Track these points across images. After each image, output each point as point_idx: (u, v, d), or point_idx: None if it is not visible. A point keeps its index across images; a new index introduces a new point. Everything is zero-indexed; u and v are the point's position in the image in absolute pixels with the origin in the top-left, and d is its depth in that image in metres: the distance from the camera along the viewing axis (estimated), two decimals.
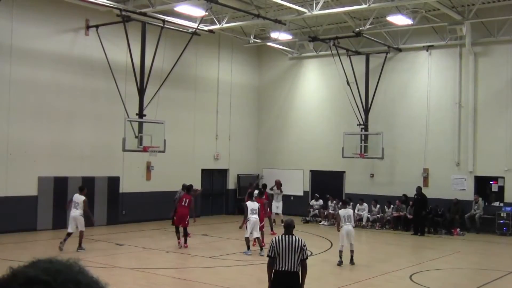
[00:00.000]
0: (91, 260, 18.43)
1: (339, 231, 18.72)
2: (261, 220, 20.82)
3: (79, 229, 20.33)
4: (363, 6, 23.70)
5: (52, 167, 25.09)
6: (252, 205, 20.59)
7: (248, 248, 20.42)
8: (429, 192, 27.81)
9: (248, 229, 20.21)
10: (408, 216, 27.74)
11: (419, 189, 27.48)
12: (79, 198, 20.76)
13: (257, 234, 20.23)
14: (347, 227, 18.53)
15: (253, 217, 20.19)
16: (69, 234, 20.25)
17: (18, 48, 24.01)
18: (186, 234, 21.38)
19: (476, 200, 27.33)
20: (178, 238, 21.50)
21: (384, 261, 20.12)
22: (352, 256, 18.44)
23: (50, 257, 1.48)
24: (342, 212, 19.06)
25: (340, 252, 18.49)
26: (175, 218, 21.99)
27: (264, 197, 23.93)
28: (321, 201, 30.80)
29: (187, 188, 22.45)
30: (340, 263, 18.33)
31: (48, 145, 24.94)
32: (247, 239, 20.40)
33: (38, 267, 1.44)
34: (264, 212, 22.66)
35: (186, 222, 21.38)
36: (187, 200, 21.67)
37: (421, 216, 26.87)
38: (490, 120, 27.78)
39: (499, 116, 27.44)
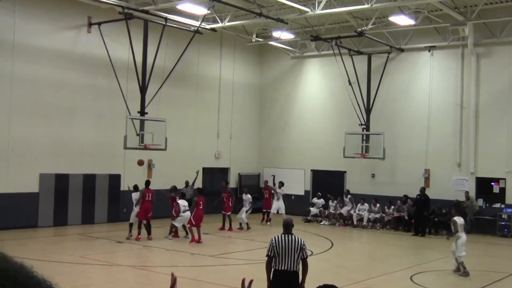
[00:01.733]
0: (91, 257, 18.45)
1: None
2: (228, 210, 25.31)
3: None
4: (366, 6, 23.68)
5: (53, 164, 25.10)
6: (183, 202, 22.98)
7: (169, 233, 23.33)
8: (430, 193, 27.79)
9: (179, 222, 22.85)
10: (405, 217, 27.75)
11: (422, 189, 27.47)
12: (135, 195, 23.27)
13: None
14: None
15: (186, 214, 22.55)
16: (131, 225, 22.80)
17: (20, 45, 24.02)
18: (149, 226, 22.81)
19: (467, 197, 27.31)
20: (139, 234, 22.59)
21: (384, 262, 20.11)
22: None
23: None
24: None
25: None
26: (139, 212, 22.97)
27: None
28: (322, 200, 30.78)
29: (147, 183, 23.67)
30: None
31: (50, 142, 24.95)
32: (172, 225, 23.11)
33: None
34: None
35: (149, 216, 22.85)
36: (150, 194, 23.12)
37: (422, 216, 26.85)
38: (492, 121, 27.75)
39: (501, 118, 27.41)
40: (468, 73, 28.40)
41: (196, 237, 22.26)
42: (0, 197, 23.32)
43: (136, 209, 22.89)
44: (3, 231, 22.44)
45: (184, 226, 23.29)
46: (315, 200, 31.18)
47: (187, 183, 27.82)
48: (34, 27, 24.53)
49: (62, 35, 25.64)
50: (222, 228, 26.46)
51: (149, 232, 22.59)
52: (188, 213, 22.47)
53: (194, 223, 22.19)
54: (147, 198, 22.92)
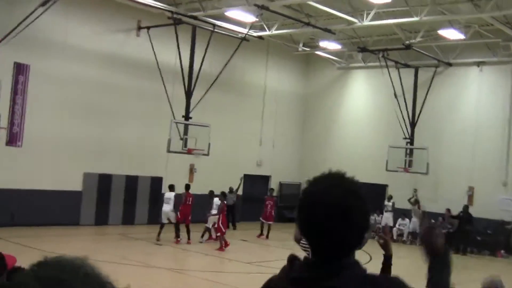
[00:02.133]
0: (130, 258, 18.64)
1: None
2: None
3: (172, 221, 22.96)
4: (415, 18, 23.50)
5: (97, 164, 25.47)
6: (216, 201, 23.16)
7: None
8: (473, 211, 27.32)
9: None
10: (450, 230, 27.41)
11: (465, 207, 27.08)
12: (170, 194, 23.31)
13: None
14: None
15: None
16: (162, 226, 22.81)
17: (71, 46, 24.49)
18: (188, 231, 22.73)
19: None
20: (178, 236, 22.74)
21: (421, 279, 19.83)
22: None
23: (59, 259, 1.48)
24: None
25: None
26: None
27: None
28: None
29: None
30: None
31: (95, 142, 25.33)
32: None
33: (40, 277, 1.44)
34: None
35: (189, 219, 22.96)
36: (190, 198, 23.41)
37: (466, 234, 26.45)
38: None
39: None
40: None
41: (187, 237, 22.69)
42: (45, 194, 23.75)
43: (169, 210, 23.01)
44: (47, 227, 22.84)
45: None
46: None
47: (231, 189, 27.96)
48: (85, 29, 24.98)
49: (111, 37, 26.06)
50: (260, 236, 26.51)
51: (188, 237, 22.67)
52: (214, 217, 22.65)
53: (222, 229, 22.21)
54: (187, 202, 23.12)
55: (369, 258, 22.83)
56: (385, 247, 5.16)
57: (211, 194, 24.24)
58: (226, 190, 27.09)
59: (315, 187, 2.28)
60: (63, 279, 1.40)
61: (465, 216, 26.73)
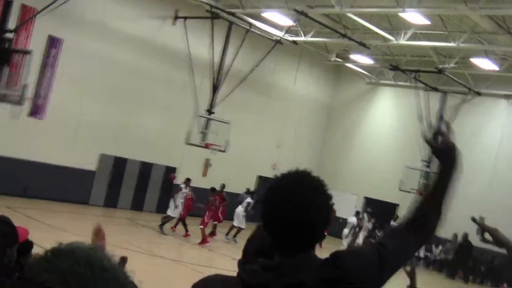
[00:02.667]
0: (134, 243, 18.65)
1: None
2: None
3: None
4: (451, 44, 23.37)
5: (114, 147, 25.52)
6: None
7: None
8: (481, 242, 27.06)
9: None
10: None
11: (465, 235, 27.01)
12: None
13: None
14: None
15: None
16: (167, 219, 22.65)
17: (106, 27, 24.53)
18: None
19: None
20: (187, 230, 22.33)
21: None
22: None
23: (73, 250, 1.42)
24: None
25: None
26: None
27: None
28: (355, 220, 29.30)
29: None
30: None
31: (115, 124, 25.38)
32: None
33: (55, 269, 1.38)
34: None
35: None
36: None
37: (465, 264, 26.36)
38: None
39: None
40: None
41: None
42: (60, 169, 23.83)
43: (179, 205, 22.66)
44: (57, 203, 22.93)
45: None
46: (349, 219, 29.44)
47: (248, 190, 27.86)
48: (122, 11, 25.02)
49: (147, 23, 26.09)
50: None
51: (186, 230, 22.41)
52: None
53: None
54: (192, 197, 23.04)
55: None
56: (412, 275, 5.00)
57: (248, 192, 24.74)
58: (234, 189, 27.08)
59: (279, 183, 2.35)
60: (79, 273, 1.36)
61: (464, 244, 26.63)
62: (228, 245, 22.65)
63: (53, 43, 22.84)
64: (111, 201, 25.70)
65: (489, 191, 28.57)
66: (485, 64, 25.92)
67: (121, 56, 25.15)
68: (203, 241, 21.30)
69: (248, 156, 30.70)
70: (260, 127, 31.35)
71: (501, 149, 28.72)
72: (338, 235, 28.01)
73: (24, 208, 19.95)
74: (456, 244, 27.44)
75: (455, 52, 26.01)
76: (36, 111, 22.72)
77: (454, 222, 28.33)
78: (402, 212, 30.22)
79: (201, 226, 21.72)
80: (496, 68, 25.84)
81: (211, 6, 24.77)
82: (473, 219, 3.46)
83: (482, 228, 3.34)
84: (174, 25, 26.83)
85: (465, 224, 27.79)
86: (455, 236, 27.46)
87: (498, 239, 3.40)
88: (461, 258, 26.58)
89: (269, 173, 32.29)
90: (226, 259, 19.95)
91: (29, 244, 4.35)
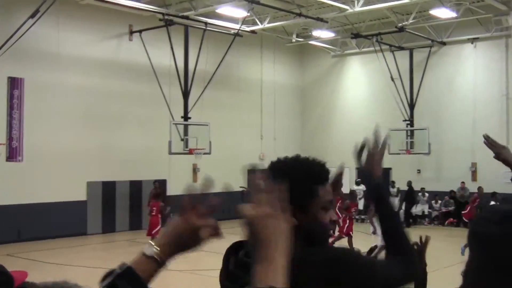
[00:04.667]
0: None
1: None
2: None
3: None
4: (406, 0, 23.51)
5: (100, 172, 25.43)
6: None
7: None
8: (477, 187, 27.36)
9: None
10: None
11: (409, 182, 27.75)
12: None
13: None
14: None
15: None
16: None
17: (65, 56, 24.42)
18: None
19: None
20: None
21: (433, 258, 19.84)
22: None
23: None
24: None
25: None
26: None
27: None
28: (363, 186, 30.16)
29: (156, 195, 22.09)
30: None
31: (96, 150, 25.29)
32: None
33: None
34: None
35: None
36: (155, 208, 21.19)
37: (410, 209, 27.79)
38: None
39: None
40: None
41: None
42: (50, 206, 23.72)
43: None
44: (55, 240, 22.83)
45: None
46: (354, 187, 30.28)
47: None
48: (77, 38, 24.92)
49: (104, 44, 26.01)
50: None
51: None
52: None
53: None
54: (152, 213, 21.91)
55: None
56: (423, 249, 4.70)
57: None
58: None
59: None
60: None
61: (461, 192, 27.31)
62: None
63: (14, 84, 22.66)
64: (108, 227, 25.64)
65: (474, 138, 28.78)
66: (443, 13, 26.05)
67: (86, 82, 25.04)
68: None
69: (234, 153, 30.67)
70: (240, 122, 31.35)
71: (476, 94, 28.95)
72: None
73: (24, 252, 19.87)
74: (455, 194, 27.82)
75: (412, 7, 26.13)
76: (12, 154, 22.54)
77: (449, 176, 28.74)
78: (395, 175, 30.55)
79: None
80: (454, 15, 25.98)
81: (163, 14, 24.73)
82: (485, 137, 3.44)
83: (491, 146, 3.34)
84: (131, 40, 26.75)
85: (460, 176, 28.13)
86: (452, 192, 27.83)
87: (504, 158, 3.41)
88: (460, 206, 26.97)
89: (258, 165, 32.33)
90: None
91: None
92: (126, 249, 22.21)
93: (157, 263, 2.02)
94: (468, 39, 29.14)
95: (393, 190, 29.64)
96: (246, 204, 1.86)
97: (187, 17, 25.29)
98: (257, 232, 1.77)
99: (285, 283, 1.68)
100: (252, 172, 1.79)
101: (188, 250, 2.07)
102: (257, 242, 1.75)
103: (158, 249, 2.01)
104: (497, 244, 1.88)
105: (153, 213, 20.88)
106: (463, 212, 24.92)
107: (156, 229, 20.40)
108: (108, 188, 25.75)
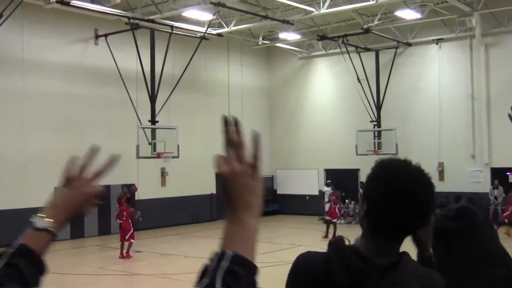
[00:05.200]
0: (109, 268, 18.50)
1: None
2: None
3: None
4: (371, 2, 23.66)
5: None
6: None
7: None
8: (445, 186, 27.68)
9: None
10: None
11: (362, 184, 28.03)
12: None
13: None
14: None
15: None
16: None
17: (30, 61, 24.14)
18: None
19: (497, 186, 27.02)
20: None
21: None
22: None
23: None
24: None
25: None
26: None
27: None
28: (330, 188, 30.30)
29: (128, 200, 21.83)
30: None
31: (63, 155, 24.92)
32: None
33: None
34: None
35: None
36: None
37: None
38: (503, 110, 27.08)
39: None
40: (477, 63, 28.30)
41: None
42: (18, 213, 23.38)
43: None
44: None
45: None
46: (324, 188, 30.62)
47: None
48: (42, 42, 24.65)
49: (70, 48, 25.77)
50: (326, 237, 24.52)
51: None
52: None
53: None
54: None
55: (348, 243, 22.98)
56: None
57: None
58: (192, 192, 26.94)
59: (405, 171, 2.28)
60: None
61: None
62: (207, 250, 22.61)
63: None
64: (77, 232, 25.32)
65: (440, 138, 29.14)
66: (408, 14, 26.32)
67: (52, 87, 24.78)
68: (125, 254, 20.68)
69: (203, 156, 30.55)
70: (208, 125, 31.21)
71: (442, 94, 29.27)
72: (303, 213, 28.28)
73: None
74: None
75: (377, 9, 26.35)
76: None
77: None
78: (363, 176, 30.69)
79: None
80: (418, 16, 26.27)
81: (129, 18, 24.59)
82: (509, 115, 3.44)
83: None
84: (96, 44, 26.55)
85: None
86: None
87: None
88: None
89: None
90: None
91: None
92: (96, 254, 22.04)
93: (50, 233, 1.98)
94: (433, 40, 29.48)
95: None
96: (219, 156, 1.80)
97: (153, 21, 25.18)
98: (227, 189, 1.71)
99: (254, 252, 1.63)
100: (226, 124, 1.73)
101: (77, 216, 2.08)
102: (228, 200, 1.69)
103: (51, 220, 1.98)
104: (454, 237, 2.13)
105: (124, 218, 20.71)
106: (504, 214, 24.71)
107: (129, 234, 20.27)
108: None
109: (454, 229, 2.18)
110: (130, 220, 20.70)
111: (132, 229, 20.47)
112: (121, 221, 20.84)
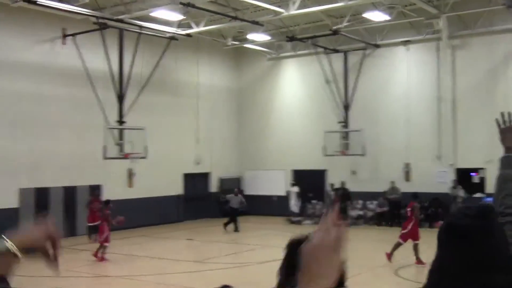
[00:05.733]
0: (78, 270, 18.29)
1: None
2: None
3: None
4: (340, 4, 23.77)
5: (33, 178, 24.84)
6: None
7: None
8: (412, 186, 27.95)
9: None
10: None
11: (343, 183, 28.36)
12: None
13: None
14: None
15: None
16: None
17: None
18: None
19: (455, 186, 27.47)
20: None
21: (369, 258, 20.15)
22: None
23: None
24: None
25: None
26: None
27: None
28: (297, 188, 30.81)
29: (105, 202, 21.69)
30: None
31: (28, 155, 24.70)
32: None
33: None
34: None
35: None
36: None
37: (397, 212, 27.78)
38: (469, 112, 27.94)
39: (479, 108, 27.57)
40: (444, 65, 28.59)
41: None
42: None
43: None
44: None
45: None
46: (290, 188, 31.08)
47: (235, 191, 27.89)
48: (8, 41, 24.31)
49: (37, 48, 25.44)
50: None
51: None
52: None
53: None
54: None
55: None
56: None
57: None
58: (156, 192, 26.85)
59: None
60: None
61: (341, 191, 28.29)
62: (177, 252, 22.52)
63: None
64: None
65: (407, 139, 29.38)
66: (376, 16, 26.48)
67: (18, 86, 24.43)
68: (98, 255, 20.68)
69: (170, 157, 30.49)
70: (176, 125, 31.14)
71: (409, 95, 29.50)
72: (270, 213, 28.34)
73: None
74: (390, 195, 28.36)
75: (346, 11, 26.47)
76: None
77: (384, 177, 29.28)
78: (331, 177, 30.88)
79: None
80: (387, 18, 26.46)
81: (97, 17, 24.36)
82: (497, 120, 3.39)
83: (499, 126, 3.33)
84: (64, 44, 26.25)
85: (394, 176, 28.64)
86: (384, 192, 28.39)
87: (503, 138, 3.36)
88: (393, 207, 27.62)
89: (194, 169, 32.22)
90: (173, 264, 19.87)
91: None
92: (61, 256, 21.75)
93: (14, 255, 2.02)
94: (401, 41, 29.72)
95: (332, 194, 30.01)
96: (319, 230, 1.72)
97: (121, 21, 24.98)
98: (314, 258, 1.66)
99: None
100: (336, 191, 1.75)
101: (37, 248, 2.10)
102: (309, 269, 1.66)
103: (12, 243, 2.02)
104: (471, 237, 2.06)
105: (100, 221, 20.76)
106: None
107: (104, 236, 20.09)
108: (41, 195, 25.18)
109: (472, 228, 2.12)
110: (105, 223, 20.44)
111: (107, 231, 20.24)
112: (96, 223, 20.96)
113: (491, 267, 2.09)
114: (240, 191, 28.89)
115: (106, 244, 20.13)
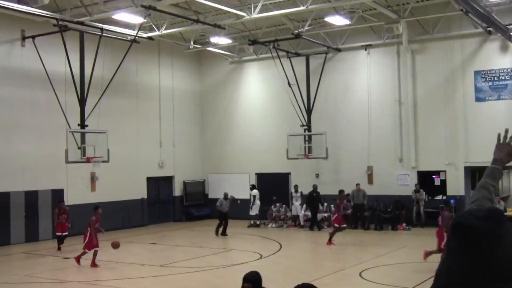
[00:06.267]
0: (38, 275, 18.10)
1: None
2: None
3: None
4: (301, 8, 23.91)
5: None
6: None
7: None
8: (374, 189, 28.29)
9: None
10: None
11: (315, 186, 28.41)
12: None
13: None
14: None
15: None
16: None
17: None
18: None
19: (417, 189, 27.84)
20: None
21: (333, 260, 20.30)
22: None
23: None
24: None
25: None
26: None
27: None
28: (256, 191, 31.09)
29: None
30: None
31: None
32: None
33: None
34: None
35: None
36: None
37: (316, 212, 28.55)
38: (429, 115, 28.35)
39: (438, 111, 28.01)
40: (404, 69, 28.97)
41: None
42: None
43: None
44: None
45: None
46: (252, 192, 31.25)
47: (225, 195, 27.66)
48: None
49: None
50: (329, 243, 23.70)
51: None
52: None
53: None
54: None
55: (279, 246, 23.17)
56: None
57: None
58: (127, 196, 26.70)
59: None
60: None
61: (313, 195, 28.79)
62: (136, 255, 22.38)
63: None
64: (2, 239, 24.71)
65: (369, 142, 29.68)
66: (337, 20, 26.73)
67: None
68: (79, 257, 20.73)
69: (133, 160, 30.35)
70: (138, 129, 30.99)
71: (371, 99, 29.83)
72: (234, 217, 28.38)
73: None
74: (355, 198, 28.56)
75: (307, 14, 26.63)
76: None
77: (346, 180, 29.51)
78: (294, 180, 31.01)
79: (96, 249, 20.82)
80: (348, 22, 26.72)
81: (57, 19, 24.11)
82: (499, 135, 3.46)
83: (498, 140, 3.40)
84: (23, 46, 25.95)
85: (356, 179, 28.86)
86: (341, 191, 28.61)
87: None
88: (314, 208, 28.63)
89: (157, 173, 32.10)
90: (138, 268, 19.77)
91: None
92: (22, 261, 21.51)
93: None
94: (362, 45, 30.03)
95: (296, 195, 30.16)
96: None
97: (82, 23, 24.76)
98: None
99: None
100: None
101: None
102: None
103: None
104: (481, 239, 2.05)
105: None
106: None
107: (94, 242, 19.80)
108: (2, 199, 24.83)
109: (482, 230, 2.08)
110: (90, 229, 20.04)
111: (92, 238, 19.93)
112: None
113: (502, 276, 2.02)
114: (230, 196, 28.35)
115: (96, 248, 19.82)
